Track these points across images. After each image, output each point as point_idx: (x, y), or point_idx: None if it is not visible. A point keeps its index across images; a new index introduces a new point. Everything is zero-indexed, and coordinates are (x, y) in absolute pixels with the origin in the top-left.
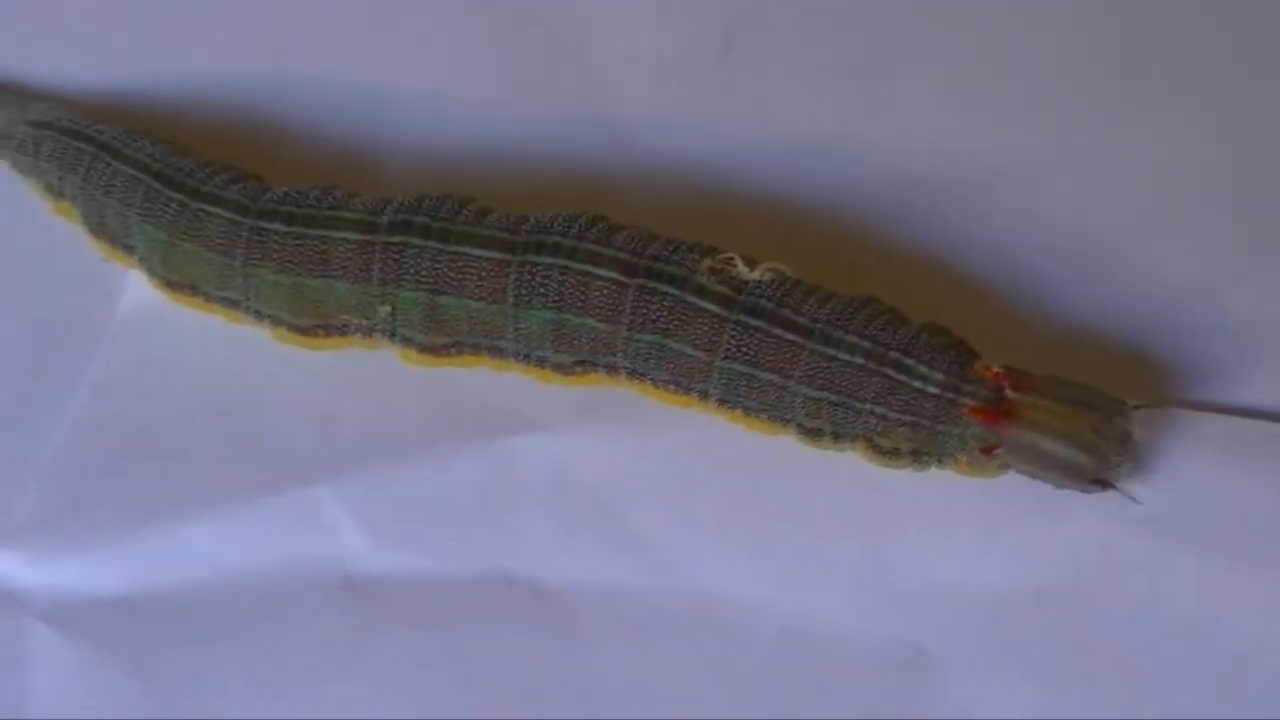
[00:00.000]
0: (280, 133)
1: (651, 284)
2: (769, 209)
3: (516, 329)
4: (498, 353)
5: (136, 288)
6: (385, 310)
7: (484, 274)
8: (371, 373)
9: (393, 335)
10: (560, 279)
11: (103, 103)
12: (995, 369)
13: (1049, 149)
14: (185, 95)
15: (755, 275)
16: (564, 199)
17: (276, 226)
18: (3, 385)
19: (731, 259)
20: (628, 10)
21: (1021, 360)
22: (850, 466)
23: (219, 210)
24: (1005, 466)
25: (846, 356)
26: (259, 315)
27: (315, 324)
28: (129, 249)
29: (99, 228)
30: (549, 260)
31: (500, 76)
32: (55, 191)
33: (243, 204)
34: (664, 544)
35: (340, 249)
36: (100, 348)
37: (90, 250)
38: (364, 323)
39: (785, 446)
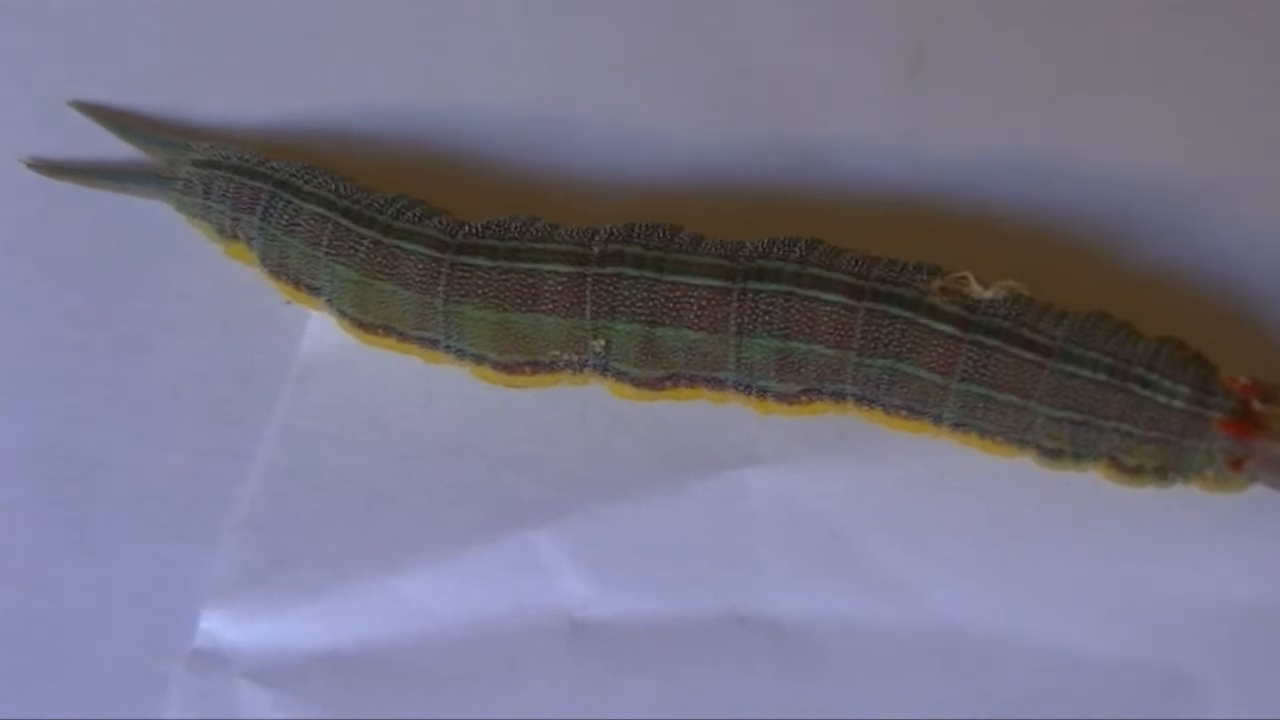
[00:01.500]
0: (456, 165)
1: (881, 306)
2: (971, 227)
3: (739, 359)
4: (716, 384)
5: (319, 329)
6: (599, 344)
7: (704, 303)
8: (579, 409)
9: (605, 370)
10: (785, 305)
11: (266, 139)
12: (1242, 380)
13: (1269, 160)
14: (353, 130)
15: (989, 294)
16: (759, 223)
17: (480, 261)
18: (187, 438)
19: (964, 278)
20: (814, 29)
21: (1249, 372)
22: (1088, 486)
23: (416, 247)
24: (1252, 479)
25: (1089, 374)
26: (460, 354)
27: (522, 361)
28: (314, 290)
29: (280, 269)
30: (772, 287)
31: (686, 101)
32: (228, 233)
33: (441, 239)
34: (903, 575)
35: (550, 282)
36: (285, 393)
37: (268, 293)
38: (575, 358)
39: (1020, 468)
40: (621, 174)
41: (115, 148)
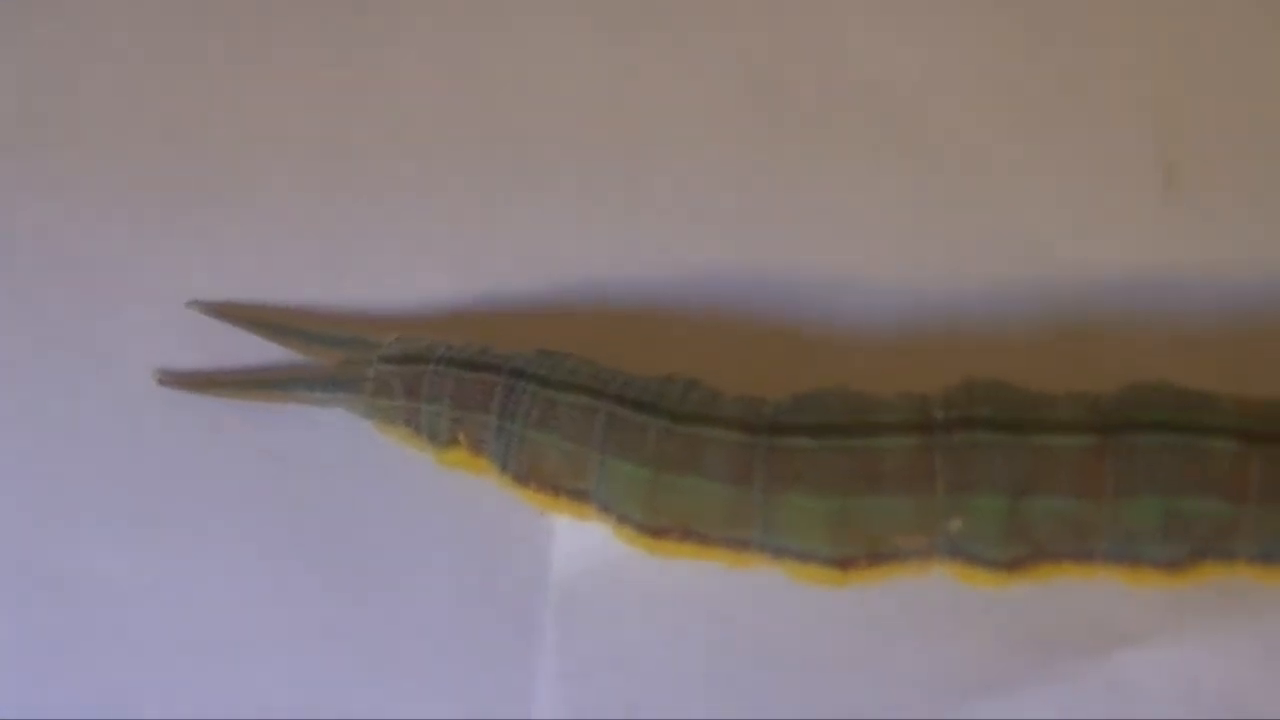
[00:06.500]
0: (672, 335)
1: (1277, 449)
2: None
3: (1115, 525)
4: (1084, 557)
5: (570, 539)
6: (955, 525)
7: (1075, 465)
8: (905, 602)
9: (957, 554)
10: (1169, 458)
11: (448, 321)
12: None
13: None
14: (537, 305)
15: None
16: (1045, 367)
17: (802, 442)
18: (454, 687)
19: None
20: (1050, 161)
21: None
22: None
23: (719, 431)
24: None
25: None
26: (780, 553)
27: (859, 554)
28: (579, 495)
29: (530, 474)
30: (1149, 438)
31: (926, 250)
32: (442, 439)
33: (747, 420)
34: None
35: (894, 458)
36: (550, 622)
37: (498, 504)
38: (922, 543)
39: None
40: (869, 329)
41: (245, 352)
